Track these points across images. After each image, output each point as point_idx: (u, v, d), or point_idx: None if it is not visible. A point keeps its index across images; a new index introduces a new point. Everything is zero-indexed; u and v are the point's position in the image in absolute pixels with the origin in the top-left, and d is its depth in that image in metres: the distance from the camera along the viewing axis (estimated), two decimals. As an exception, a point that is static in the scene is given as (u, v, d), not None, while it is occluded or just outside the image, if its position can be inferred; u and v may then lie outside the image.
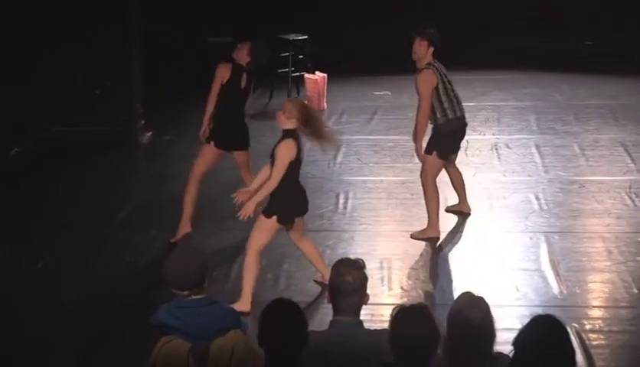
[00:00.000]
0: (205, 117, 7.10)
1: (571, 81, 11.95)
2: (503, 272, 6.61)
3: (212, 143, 7.09)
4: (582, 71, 12.28)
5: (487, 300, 3.71)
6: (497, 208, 7.82)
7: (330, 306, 4.04)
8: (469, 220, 7.54)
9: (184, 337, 3.99)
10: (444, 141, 7.14)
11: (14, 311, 6.13)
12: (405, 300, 6.12)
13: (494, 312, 3.68)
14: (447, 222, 7.43)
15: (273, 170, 5.89)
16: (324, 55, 11.49)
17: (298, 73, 11.41)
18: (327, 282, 5.57)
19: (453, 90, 7.10)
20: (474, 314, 3.62)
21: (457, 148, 7.39)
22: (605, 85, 11.73)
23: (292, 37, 11.50)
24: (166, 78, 11.19)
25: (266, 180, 6.00)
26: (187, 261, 4.11)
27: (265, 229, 6.01)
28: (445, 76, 7.05)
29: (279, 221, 6.03)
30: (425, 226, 7.21)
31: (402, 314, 3.58)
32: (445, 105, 7.02)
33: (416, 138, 7.17)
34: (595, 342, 5.61)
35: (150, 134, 9.92)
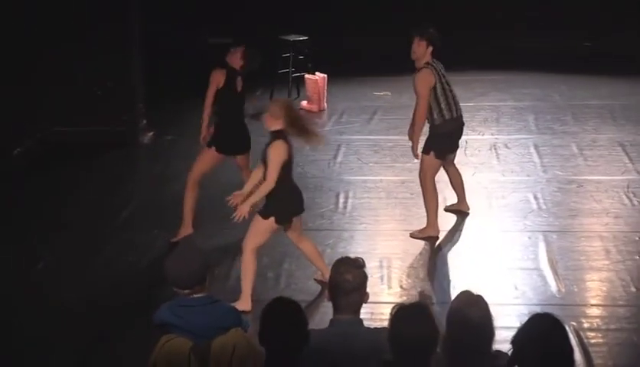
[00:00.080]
0: (203, 123, 7.15)
1: (570, 81, 11.98)
2: (502, 271, 6.63)
3: (213, 147, 7.12)
4: (581, 72, 12.31)
5: (486, 298, 3.73)
6: (496, 207, 7.85)
7: (330, 304, 4.07)
8: (468, 219, 7.56)
9: (185, 335, 4.01)
10: (441, 142, 7.17)
11: (14, 311, 6.14)
12: (404, 298, 6.15)
13: (493, 310, 3.70)
14: (446, 221, 7.46)
15: (267, 172, 5.91)
16: (324, 55, 11.51)
17: (298, 74, 11.43)
18: (327, 280, 5.61)
19: (451, 91, 7.12)
20: (473, 313, 3.64)
21: (455, 148, 7.41)
22: (603, 85, 11.76)
23: (293, 37, 11.52)
24: (166, 78, 11.21)
25: (258, 183, 6.03)
26: (188, 260, 4.13)
27: (262, 230, 6.04)
28: (444, 77, 7.07)
29: (276, 221, 6.06)
30: (424, 225, 7.24)
31: (401, 313, 3.60)
32: (443, 105, 7.05)
33: (413, 136, 7.20)
34: (593, 340, 5.63)
35: (151, 134, 9.94)
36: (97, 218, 7.77)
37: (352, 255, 4.20)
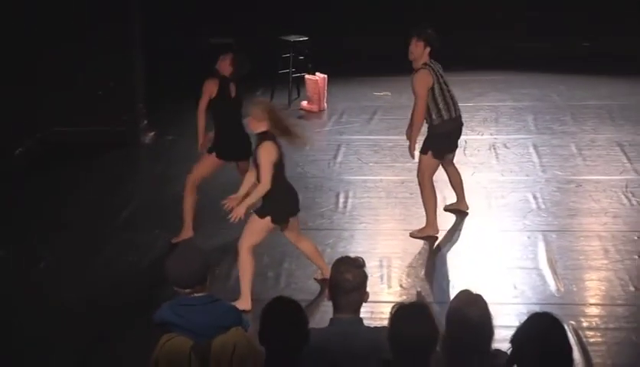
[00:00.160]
0: (199, 131, 7.17)
1: (568, 82, 12.00)
2: (501, 270, 6.65)
3: (214, 153, 7.13)
4: (580, 72, 12.33)
5: (485, 297, 3.75)
6: (495, 207, 7.86)
7: (330, 303, 4.08)
8: (468, 219, 7.58)
9: (186, 334, 4.03)
10: (439, 142, 7.18)
11: (14, 311, 6.14)
12: (404, 297, 6.17)
13: (492, 309, 3.72)
14: (446, 220, 7.47)
15: (260, 174, 5.92)
16: (324, 56, 11.53)
17: (298, 74, 11.44)
18: (326, 277, 5.64)
19: (449, 91, 7.13)
20: (472, 312, 3.65)
21: (454, 148, 7.42)
22: (602, 85, 11.77)
23: (293, 38, 11.53)
24: (166, 78, 11.22)
25: (252, 186, 6.05)
26: (188, 259, 4.15)
27: (258, 229, 6.06)
28: (442, 77, 7.08)
29: (273, 221, 6.07)
30: (424, 225, 7.26)
31: (401, 312, 3.61)
32: (441, 105, 7.06)
33: (411, 136, 7.21)
34: (592, 340, 5.65)
35: (152, 134, 9.96)
36: (97, 218, 7.79)
37: (352, 255, 4.22)
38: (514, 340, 3.53)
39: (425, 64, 6.99)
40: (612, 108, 10.69)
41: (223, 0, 13.12)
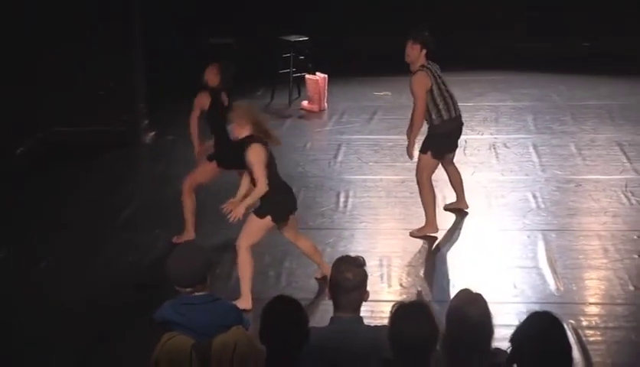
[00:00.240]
0: (194, 141, 7.21)
1: (568, 82, 12.01)
2: (501, 269, 6.66)
3: (214, 161, 7.13)
4: (580, 72, 12.34)
5: (485, 297, 3.75)
6: (495, 206, 7.87)
7: (330, 302, 4.09)
8: (467, 218, 7.59)
9: (187, 333, 4.04)
10: (439, 142, 7.20)
11: (14, 311, 6.14)
12: (404, 296, 6.18)
13: (492, 308, 3.73)
14: (445, 220, 7.48)
15: (255, 176, 5.93)
16: (324, 56, 11.54)
17: (299, 74, 11.46)
18: (325, 275, 5.65)
19: (448, 90, 7.14)
20: (472, 311, 3.66)
21: (453, 148, 7.43)
22: (601, 85, 11.78)
23: (293, 38, 11.55)
24: (166, 78, 11.23)
25: (250, 189, 6.07)
26: (189, 258, 4.16)
27: (257, 228, 6.07)
28: (440, 78, 7.09)
29: (273, 220, 6.09)
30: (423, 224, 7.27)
31: (401, 311, 3.62)
32: (441, 106, 7.07)
33: (410, 136, 7.22)
34: (591, 339, 5.65)
35: (153, 134, 9.96)
36: (98, 218, 7.79)
37: (352, 254, 4.23)
38: (514, 339, 3.54)
39: (422, 66, 7.01)
40: (611, 108, 10.70)
41: (223, 0, 13.13)
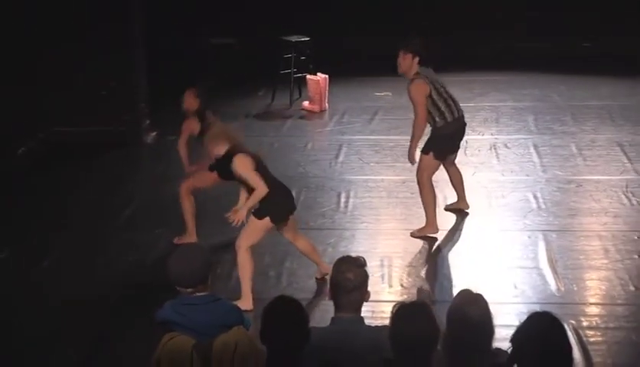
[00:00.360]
0: (184, 162, 7.31)
1: (569, 82, 12.01)
2: (501, 270, 6.66)
3: (216, 172, 7.13)
4: (580, 72, 12.34)
5: (485, 297, 3.76)
6: (495, 207, 7.87)
7: (331, 303, 4.10)
8: (468, 218, 7.59)
9: (188, 333, 4.04)
10: (442, 143, 7.19)
11: (14, 311, 6.14)
12: (405, 297, 6.17)
13: (492, 309, 3.73)
14: (446, 220, 7.49)
15: (252, 184, 5.95)
16: (325, 56, 11.54)
17: (300, 74, 11.46)
18: (324, 274, 5.66)
19: (447, 92, 7.12)
20: (473, 311, 3.66)
21: (455, 149, 7.43)
22: (602, 86, 11.78)
23: (294, 38, 11.55)
24: (166, 78, 11.22)
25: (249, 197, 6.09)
26: (190, 258, 4.17)
27: (256, 229, 6.08)
28: (437, 81, 7.07)
29: (272, 221, 6.10)
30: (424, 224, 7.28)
31: (402, 311, 3.63)
32: (443, 108, 7.06)
33: (412, 140, 7.18)
34: (592, 339, 5.65)
35: (154, 134, 9.96)
36: (98, 218, 7.79)
37: (353, 254, 4.24)
38: (515, 339, 3.55)
39: (417, 74, 6.99)
40: (612, 109, 10.70)
41: (223, 0, 13.13)
